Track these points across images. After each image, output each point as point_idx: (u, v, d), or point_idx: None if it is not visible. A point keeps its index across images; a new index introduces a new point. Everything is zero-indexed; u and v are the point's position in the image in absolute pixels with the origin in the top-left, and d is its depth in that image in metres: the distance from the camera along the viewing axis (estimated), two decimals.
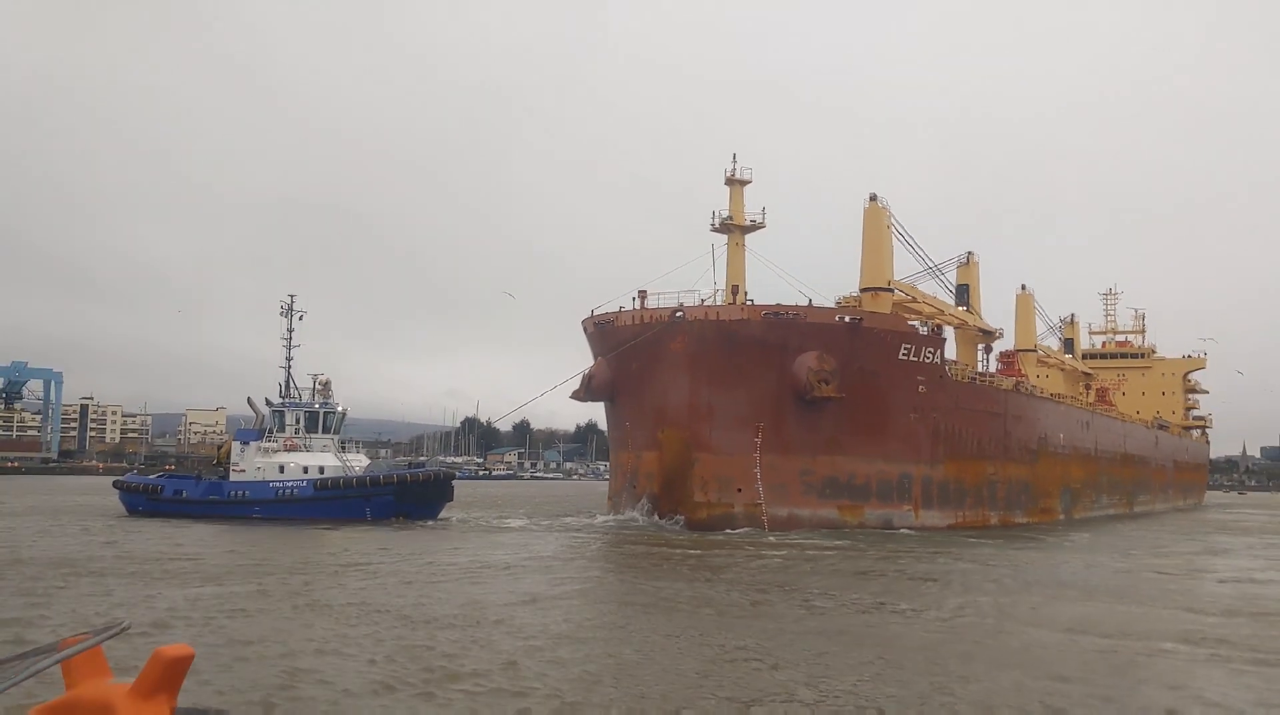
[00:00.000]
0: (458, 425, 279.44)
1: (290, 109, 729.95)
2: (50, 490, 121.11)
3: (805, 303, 68.58)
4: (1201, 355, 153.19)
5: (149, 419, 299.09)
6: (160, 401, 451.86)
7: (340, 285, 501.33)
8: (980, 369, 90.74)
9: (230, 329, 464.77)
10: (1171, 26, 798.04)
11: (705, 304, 67.91)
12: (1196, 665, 24.39)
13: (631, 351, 68.24)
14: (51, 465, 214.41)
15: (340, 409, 73.33)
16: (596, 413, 79.82)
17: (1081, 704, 20.05)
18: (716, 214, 74.63)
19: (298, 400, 72.78)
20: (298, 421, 71.42)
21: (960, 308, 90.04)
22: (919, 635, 27.67)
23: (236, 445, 72.57)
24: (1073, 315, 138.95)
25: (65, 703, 4.88)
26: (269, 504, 67.29)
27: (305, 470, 68.80)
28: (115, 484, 78.63)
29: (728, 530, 62.70)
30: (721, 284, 71.72)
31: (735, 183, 74.78)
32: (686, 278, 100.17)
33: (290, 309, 73.88)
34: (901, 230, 78.23)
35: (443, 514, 70.11)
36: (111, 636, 5.00)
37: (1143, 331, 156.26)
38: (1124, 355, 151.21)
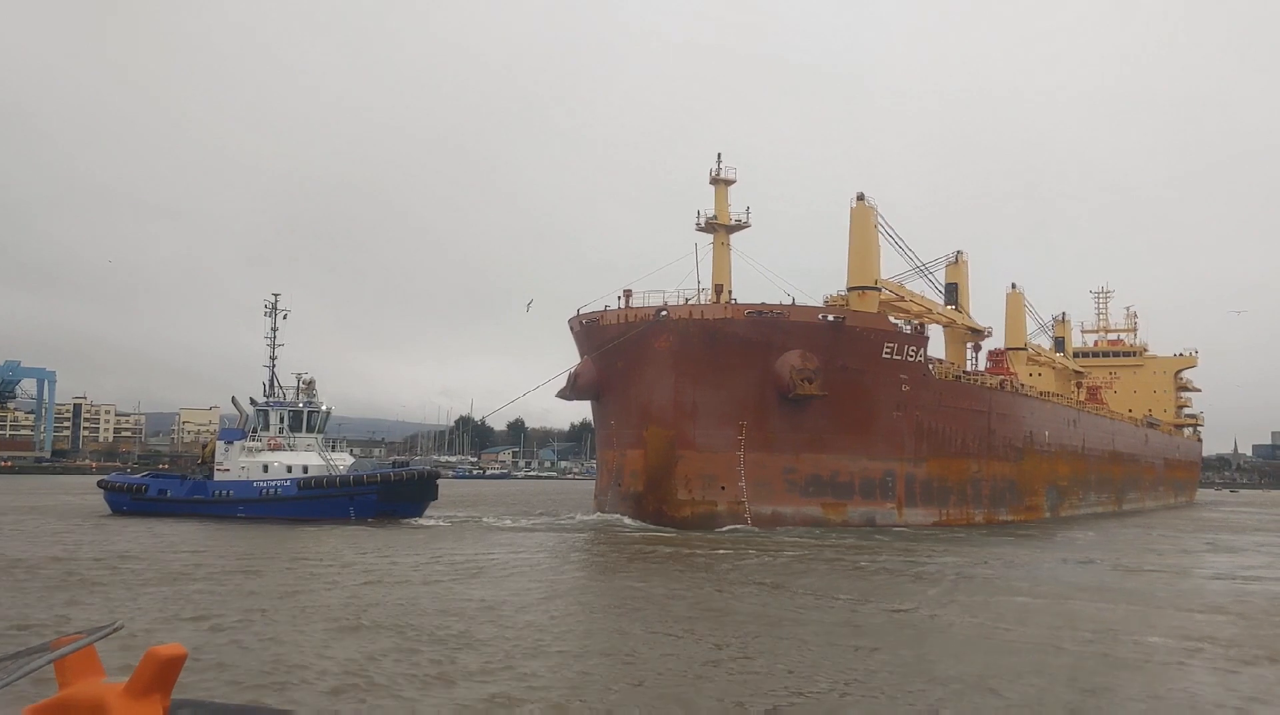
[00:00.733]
0: (452, 424, 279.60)
1: (285, 111, 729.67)
2: (39, 489, 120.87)
3: (789, 302, 68.72)
4: (1193, 353, 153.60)
5: (143, 418, 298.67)
6: (154, 401, 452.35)
7: (337, 285, 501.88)
8: (970, 367, 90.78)
9: (223, 328, 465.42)
10: (1169, 26, 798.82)
11: (689, 303, 67.98)
12: (1170, 667, 24.35)
13: (617, 350, 68.26)
14: (45, 464, 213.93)
15: (324, 408, 73.29)
16: (591, 412, 79.89)
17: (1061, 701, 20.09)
18: (701, 213, 74.81)
19: (282, 400, 72.77)
20: (282, 421, 71.42)
21: (949, 307, 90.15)
22: (905, 634, 27.70)
23: (221, 444, 72.57)
24: (1064, 314, 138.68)
25: (59, 702, 4.89)
26: (253, 503, 67.33)
27: (289, 469, 68.81)
28: (100, 483, 78.40)
29: (715, 529, 62.72)
30: (706, 283, 71.79)
31: (720, 182, 74.87)
32: (673, 277, 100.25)
33: (274, 308, 73.93)
34: (890, 229, 78.49)
35: (427, 512, 70.12)
36: (104, 636, 5.00)
37: (1134, 330, 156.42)
38: (1116, 354, 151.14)
